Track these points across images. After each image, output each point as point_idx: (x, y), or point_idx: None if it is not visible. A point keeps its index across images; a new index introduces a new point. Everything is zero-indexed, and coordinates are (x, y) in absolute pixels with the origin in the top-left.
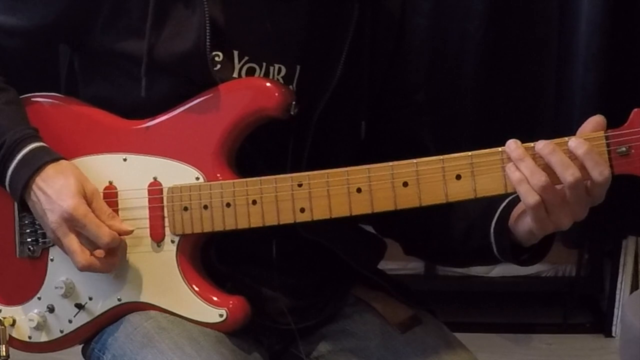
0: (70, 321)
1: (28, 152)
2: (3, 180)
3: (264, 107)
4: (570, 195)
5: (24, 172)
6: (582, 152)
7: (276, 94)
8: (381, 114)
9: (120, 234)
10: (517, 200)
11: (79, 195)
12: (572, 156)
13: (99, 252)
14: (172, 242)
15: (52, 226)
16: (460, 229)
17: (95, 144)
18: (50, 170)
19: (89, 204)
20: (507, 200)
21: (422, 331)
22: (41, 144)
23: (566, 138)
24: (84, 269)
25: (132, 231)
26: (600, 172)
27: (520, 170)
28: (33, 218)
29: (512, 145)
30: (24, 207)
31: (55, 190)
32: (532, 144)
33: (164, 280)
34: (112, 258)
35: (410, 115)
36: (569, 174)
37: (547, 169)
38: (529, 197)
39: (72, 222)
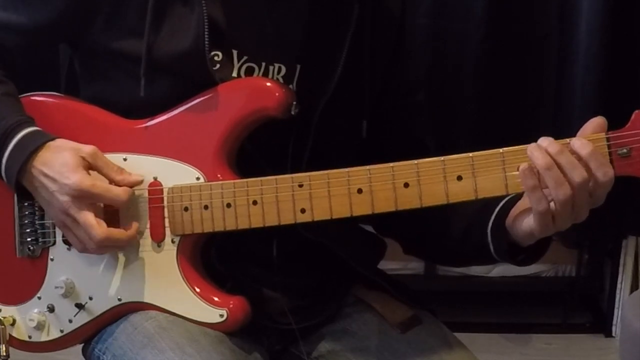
0: (70, 321)
1: (21, 137)
2: None
3: (265, 107)
4: (577, 196)
5: (19, 157)
6: (586, 152)
7: (277, 94)
8: (381, 113)
9: (132, 187)
10: (514, 200)
11: (80, 167)
12: (576, 157)
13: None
14: (173, 242)
15: (64, 206)
16: (459, 229)
17: (96, 144)
18: (46, 153)
19: (94, 166)
20: (504, 200)
21: (422, 331)
22: (34, 128)
23: (568, 140)
24: (103, 241)
25: (142, 180)
26: (604, 172)
27: (542, 179)
28: (33, 217)
29: (537, 154)
30: (23, 196)
31: (56, 171)
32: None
33: (164, 280)
34: (129, 224)
35: (410, 115)
36: (576, 174)
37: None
38: (540, 205)
39: (83, 197)
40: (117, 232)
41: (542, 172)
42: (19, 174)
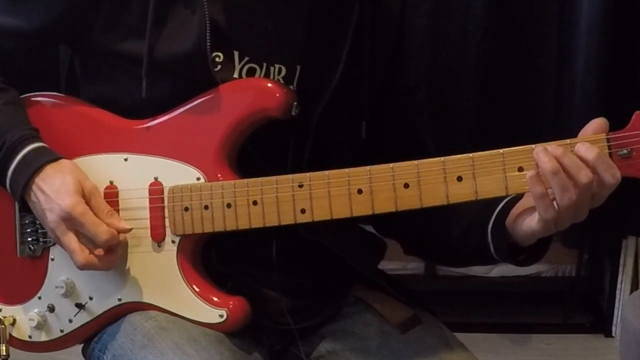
0: (70, 321)
1: (28, 152)
2: (3, 181)
3: (265, 108)
4: (580, 198)
5: (24, 173)
6: (593, 156)
7: (277, 95)
8: (381, 113)
9: (118, 232)
10: (515, 200)
11: (77, 193)
12: (582, 160)
13: (99, 251)
14: (173, 242)
15: (51, 225)
16: (459, 229)
17: (96, 144)
18: (49, 170)
19: (88, 202)
20: (505, 200)
21: (422, 331)
22: (41, 144)
23: (567, 140)
24: (84, 267)
25: (130, 229)
26: (612, 174)
27: (548, 183)
28: (34, 217)
29: (544, 158)
30: (25, 208)
31: (54, 190)
32: (532, 146)
33: (165, 280)
34: (111, 255)
35: (410, 115)
36: (582, 175)
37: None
38: (547, 213)
39: (70, 221)
40: (96, 262)
41: (548, 176)
42: (24, 190)
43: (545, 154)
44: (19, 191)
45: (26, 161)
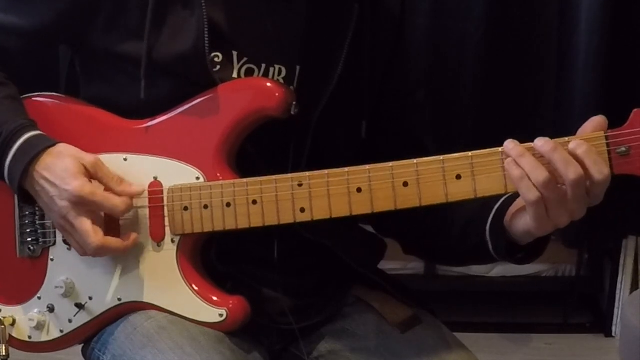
0: (70, 321)
1: (24, 141)
2: (2, 172)
3: (265, 107)
4: (571, 193)
5: (21, 162)
6: (581, 151)
7: (277, 94)
8: (381, 113)
9: (132, 197)
10: (512, 198)
11: (81, 174)
12: (572, 156)
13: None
14: (173, 241)
15: (63, 212)
16: (458, 228)
17: (96, 144)
18: (47, 157)
19: (95, 176)
20: (502, 199)
21: (422, 331)
22: (37, 132)
23: (566, 138)
24: (98, 250)
25: (142, 191)
26: (599, 170)
27: (521, 167)
28: (34, 217)
29: (510, 145)
30: (25, 199)
31: (58, 176)
32: (531, 144)
33: (164, 280)
34: (125, 236)
35: (410, 115)
36: (571, 171)
37: (548, 167)
38: (530, 194)
39: (81, 204)
40: (113, 242)
41: (517, 161)
42: (22, 178)
43: (511, 143)
44: (16, 181)
45: (23, 150)
